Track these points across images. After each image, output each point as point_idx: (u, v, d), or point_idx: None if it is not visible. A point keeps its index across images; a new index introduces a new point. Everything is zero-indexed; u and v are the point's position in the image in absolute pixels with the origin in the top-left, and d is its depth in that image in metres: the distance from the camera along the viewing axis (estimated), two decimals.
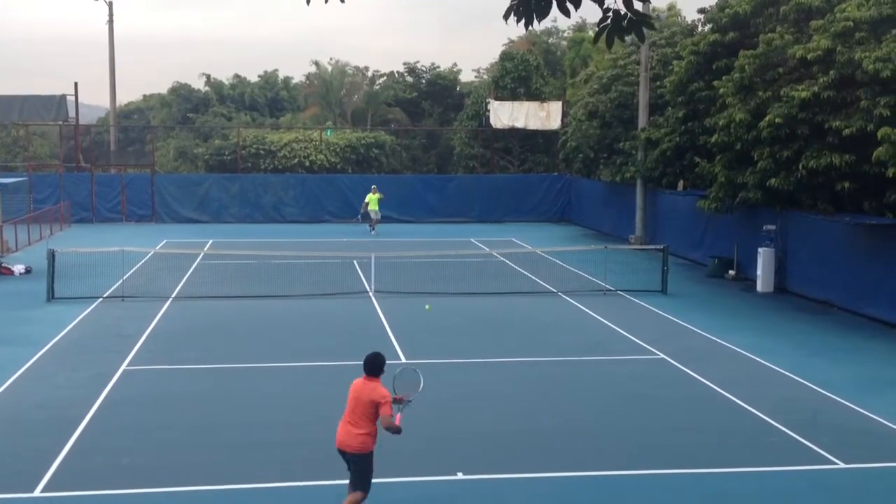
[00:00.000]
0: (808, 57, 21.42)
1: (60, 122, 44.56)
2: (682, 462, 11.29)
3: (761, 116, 22.37)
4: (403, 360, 16.34)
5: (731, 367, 16.07)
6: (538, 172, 45.39)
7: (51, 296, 21.64)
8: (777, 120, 21.62)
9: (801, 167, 21.45)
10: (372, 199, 37.10)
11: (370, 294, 22.55)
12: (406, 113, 56.33)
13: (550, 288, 23.83)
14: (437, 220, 41.39)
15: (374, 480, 9.67)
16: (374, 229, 36.72)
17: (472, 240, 34.44)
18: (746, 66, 23.43)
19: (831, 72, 20.89)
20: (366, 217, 37.48)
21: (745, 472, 10.98)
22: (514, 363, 16.23)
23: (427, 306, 19.87)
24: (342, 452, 9.25)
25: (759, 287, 23.79)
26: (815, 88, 20.96)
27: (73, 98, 43.96)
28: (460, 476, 10.73)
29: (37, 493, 10.15)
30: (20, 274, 25.44)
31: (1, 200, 30.22)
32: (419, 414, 13.11)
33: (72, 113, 44.24)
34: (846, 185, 20.92)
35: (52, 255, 22.00)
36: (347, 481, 9.43)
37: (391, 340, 17.75)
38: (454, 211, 42.13)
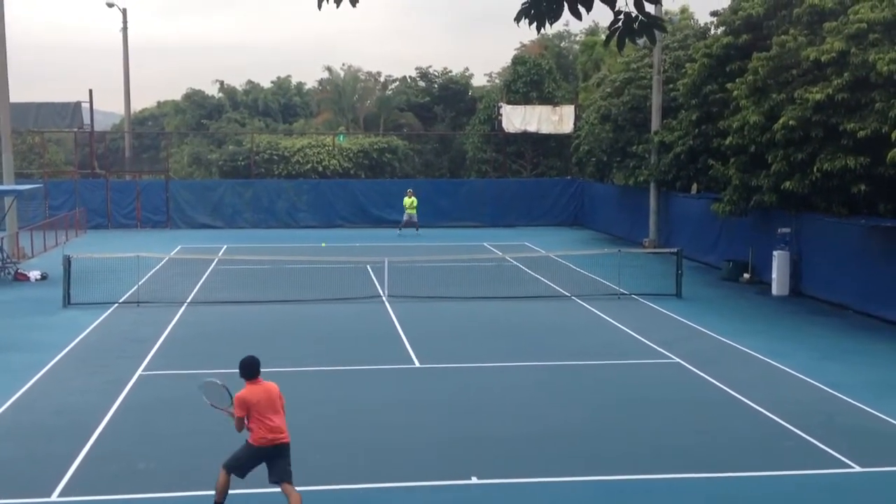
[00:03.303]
0: (822, 59, 21.33)
1: (75, 129, 44.83)
2: (696, 466, 11.25)
3: (775, 119, 22.30)
4: (417, 364, 16.36)
5: (746, 370, 16.01)
6: (551, 176, 45.33)
7: (67, 301, 21.76)
8: (791, 122, 21.54)
9: (815, 170, 21.36)
10: (408, 203, 38.34)
11: (383, 298, 22.58)
12: (418, 117, 56.38)
13: (564, 292, 23.80)
14: (450, 224, 41.41)
15: (389, 485, 9.77)
16: (401, 229, 38.07)
17: (484, 244, 34.43)
18: (760, 69, 23.36)
19: (845, 74, 20.79)
20: (407, 224, 38.35)
21: (760, 476, 10.93)
22: (528, 367, 16.21)
23: (323, 244, 19.53)
24: (282, 447, 9.56)
25: (774, 290, 23.68)
26: (830, 90, 20.87)
27: (87, 105, 44.19)
28: (474, 480, 10.71)
29: (54, 497, 10.20)
30: (36, 280, 25.59)
31: (17, 207, 30.41)
32: (432, 418, 13.15)
33: (87, 120, 44.48)
34: (861, 187, 20.82)
35: (67, 262, 22.12)
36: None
37: (405, 344, 17.76)
38: (467, 215, 42.17)
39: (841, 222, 21.92)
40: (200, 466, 11.15)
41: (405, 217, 38.34)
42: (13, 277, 25.81)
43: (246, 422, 9.57)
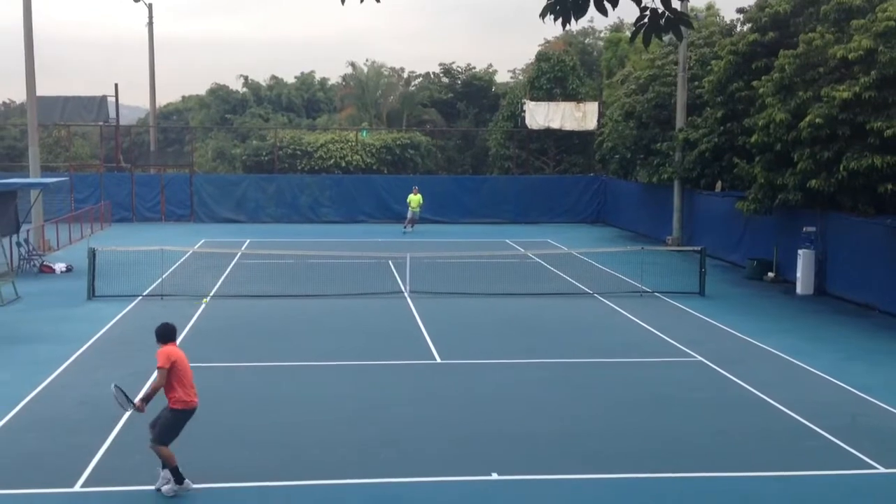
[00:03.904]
0: (850, 57, 21.15)
1: (101, 123, 45.19)
2: (717, 465, 11.19)
3: (801, 117, 22.12)
4: (438, 360, 16.38)
5: (770, 369, 15.90)
6: (574, 173, 45.22)
7: (91, 294, 21.93)
8: (817, 120, 21.37)
9: (841, 168, 21.18)
10: (413, 199, 37.59)
11: (405, 294, 22.60)
12: (441, 114, 56.34)
13: (586, 289, 23.73)
14: (473, 220, 41.40)
15: (410, 480, 10.10)
16: (407, 227, 37.36)
17: (507, 240, 34.40)
18: (786, 66, 23.18)
19: (872, 72, 20.60)
20: (412, 221, 37.90)
21: (783, 477, 10.86)
22: (550, 364, 16.18)
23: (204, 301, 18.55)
24: (194, 411, 10.27)
25: (799, 289, 23.51)
26: (857, 89, 20.68)
27: (113, 99, 44.55)
28: (495, 476, 10.71)
29: (77, 487, 10.29)
30: (61, 272, 25.83)
31: (42, 200, 30.68)
32: (453, 414, 13.16)
33: (112, 114, 44.81)
34: (888, 186, 20.63)
35: (92, 254, 22.30)
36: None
37: (426, 340, 17.78)
38: (489, 212, 42.14)
39: (867, 222, 21.73)
40: (222, 458, 11.22)
41: (409, 214, 38.04)
42: (39, 270, 26.05)
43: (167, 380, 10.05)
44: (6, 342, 17.41)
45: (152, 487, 10.17)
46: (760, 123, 23.82)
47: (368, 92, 57.32)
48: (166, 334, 10.40)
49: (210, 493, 10.19)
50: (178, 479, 10.00)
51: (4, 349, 16.85)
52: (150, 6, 51.04)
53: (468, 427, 12.51)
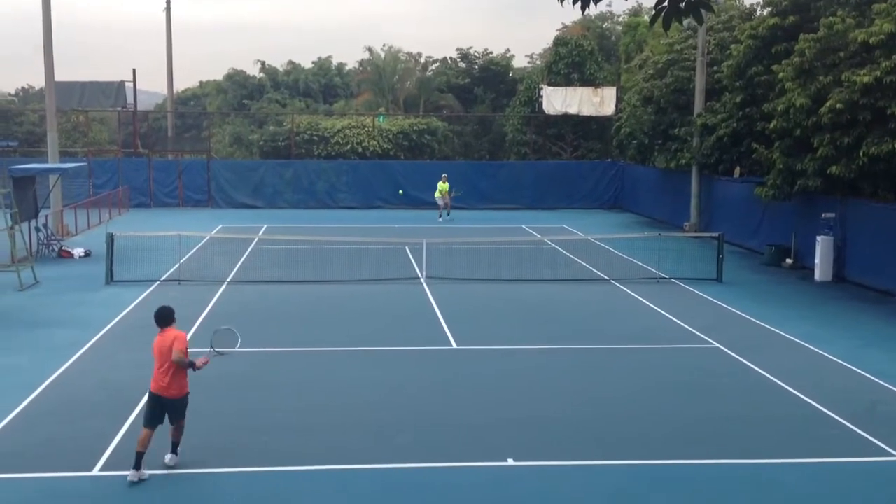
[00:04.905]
0: (871, 41, 20.91)
1: (119, 108, 45.33)
2: (735, 452, 11.15)
3: (822, 102, 21.91)
4: (454, 345, 16.38)
5: (787, 356, 15.82)
6: (591, 159, 45.04)
7: (109, 279, 22.05)
8: (838, 105, 21.16)
9: (862, 154, 20.98)
10: (442, 188, 37.41)
11: (422, 280, 22.60)
12: (458, 99, 56.18)
13: (602, 275, 23.66)
14: (489, 206, 41.32)
15: (426, 465, 10.17)
16: (447, 213, 37.14)
17: (523, 226, 34.32)
18: (807, 51, 22.96)
19: (894, 56, 20.36)
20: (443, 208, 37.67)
21: (801, 463, 10.82)
22: (566, 350, 16.15)
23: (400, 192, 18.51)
24: (160, 399, 10.37)
25: (817, 276, 23.36)
26: (878, 73, 20.46)
27: (131, 84, 44.66)
28: (510, 462, 10.72)
29: (95, 471, 10.37)
30: (80, 257, 25.97)
31: (61, 185, 30.83)
32: (469, 399, 13.17)
33: (130, 99, 44.93)
34: None
35: (110, 239, 22.41)
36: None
37: (442, 326, 17.78)
38: (506, 197, 42.04)
39: (887, 207, 21.55)
40: (242, 443, 11.27)
41: (440, 202, 37.71)
42: (57, 254, 26.22)
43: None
44: (25, 326, 17.55)
45: (169, 472, 10.23)
46: (780, 108, 23.63)
47: (385, 77, 57.19)
48: (158, 318, 10.80)
49: (222, 477, 10.24)
50: (136, 464, 10.16)
51: (23, 333, 16.98)
52: None
53: (484, 413, 12.52)
